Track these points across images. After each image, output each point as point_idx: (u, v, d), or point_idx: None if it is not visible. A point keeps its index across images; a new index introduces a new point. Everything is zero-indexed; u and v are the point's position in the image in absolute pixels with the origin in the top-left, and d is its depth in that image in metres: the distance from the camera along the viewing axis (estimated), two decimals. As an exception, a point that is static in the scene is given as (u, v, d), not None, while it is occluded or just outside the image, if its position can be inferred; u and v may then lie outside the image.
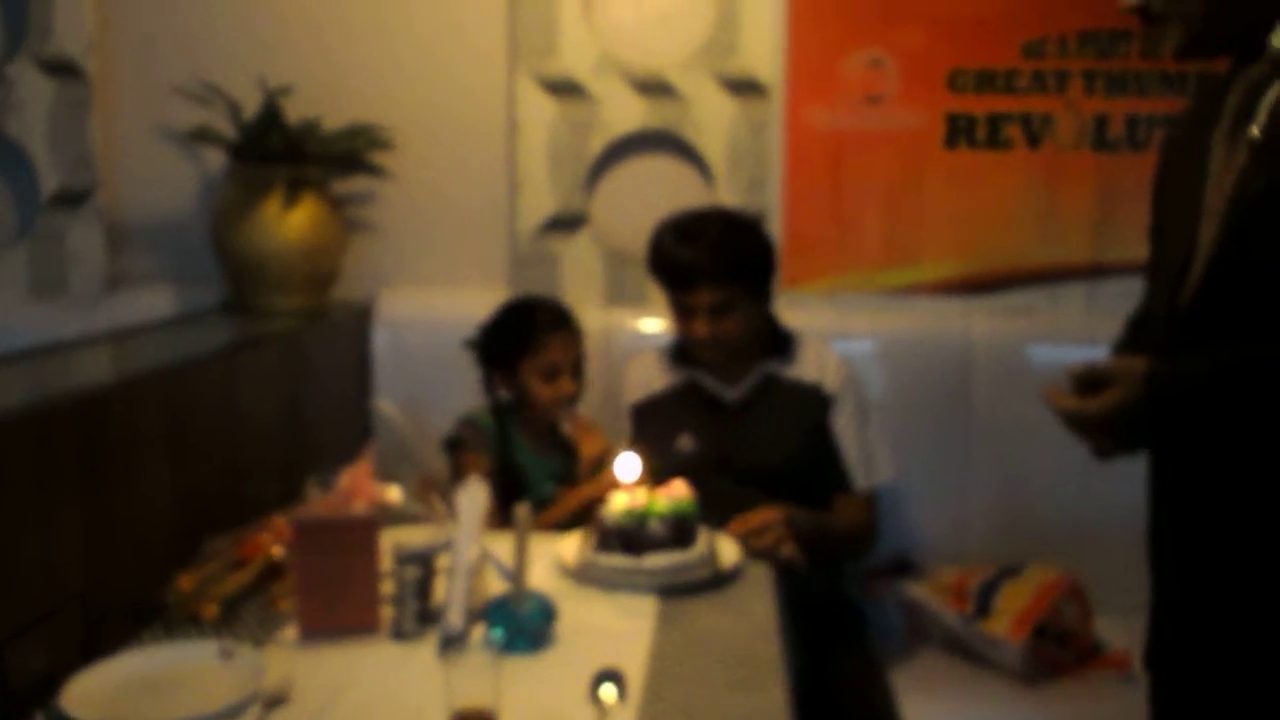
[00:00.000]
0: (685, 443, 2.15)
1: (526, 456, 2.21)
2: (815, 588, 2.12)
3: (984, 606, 2.18)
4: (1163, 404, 1.28)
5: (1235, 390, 1.25)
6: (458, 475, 2.10)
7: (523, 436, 2.23)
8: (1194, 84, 2.52)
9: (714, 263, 2.08)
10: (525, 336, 2.19)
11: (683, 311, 2.14)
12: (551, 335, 2.18)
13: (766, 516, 1.89)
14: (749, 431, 2.14)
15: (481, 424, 2.23)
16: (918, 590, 2.30)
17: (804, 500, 2.09)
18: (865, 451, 2.19)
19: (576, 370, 2.21)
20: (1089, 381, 1.33)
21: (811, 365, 2.20)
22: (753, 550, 1.85)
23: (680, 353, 2.23)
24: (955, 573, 2.31)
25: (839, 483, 2.18)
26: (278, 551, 1.67)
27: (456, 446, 2.22)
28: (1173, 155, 1.45)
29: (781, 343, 2.22)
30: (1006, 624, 2.13)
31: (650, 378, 2.27)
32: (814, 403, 2.18)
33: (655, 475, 1.96)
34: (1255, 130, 1.24)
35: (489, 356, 2.24)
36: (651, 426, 2.22)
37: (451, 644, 1.46)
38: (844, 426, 2.18)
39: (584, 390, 2.24)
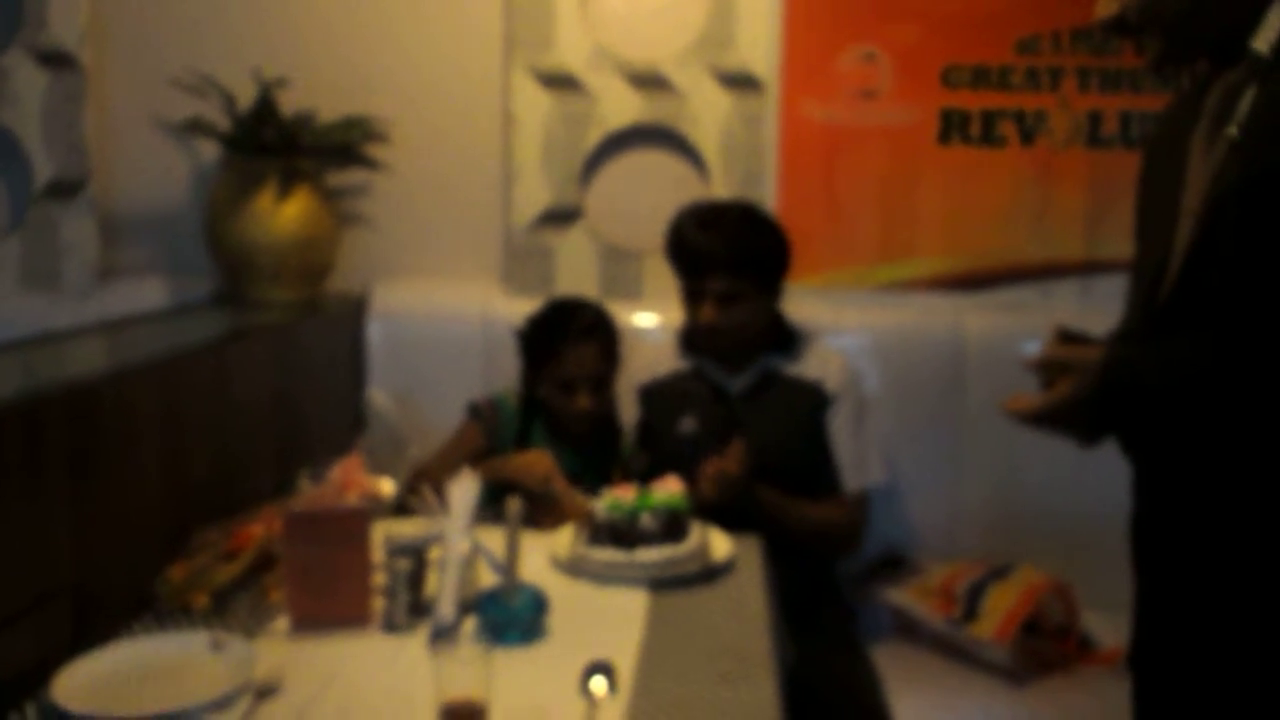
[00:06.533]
0: (687, 425, 2.17)
1: (543, 446, 2.18)
2: (803, 584, 2.14)
3: (971, 609, 2.18)
4: (1116, 392, 1.29)
5: (1193, 377, 1.26)
6: (456, 438, 2.23)
7: (545, 427, 2.23)
8: (1186, 81, 2.52)
9: (728, 252, 2.12)
10: (546, 346, 2.18)
11: (693, 297, 2.17)
12: (571, 348, 2.15)
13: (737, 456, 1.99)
14: (749, 421, 2.15)
15: (504, 405, 2.25)
16: (904, 596, 2.29)
17: (795, 494, 2.12)
18: (858, 454, 2.20)
19: (600, 385, 2.18)
20: (1051, 369, 1.34)
21: (815, 364, 2.22)
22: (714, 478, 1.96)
23: (687, 340, 2.27)
24: (943, 573, 2.30)
25: (831, 483, 2.19)
26: (277, 527, 1.65)
27: (471, 413, 2.26)
28: (1154, 156, 1.46)
29: (787, 339, 2.25)
30: (993, 626, 2.13)
31: (657, 361, 2.30)
32: (813, 400, 2.20)
33: (657, 457, 2.07)
34: (1234, 130, 1.25)
35: (523, 351, 2.25)
36: (656, 408, 2.26)
37: (442, 636, 1.46)
38: (839, 427, 2.20)
39: (606, 406, 2.22)
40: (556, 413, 2.20)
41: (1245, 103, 1.25)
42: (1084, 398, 1.31)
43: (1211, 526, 1.30)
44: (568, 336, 2.16)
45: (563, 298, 2.31)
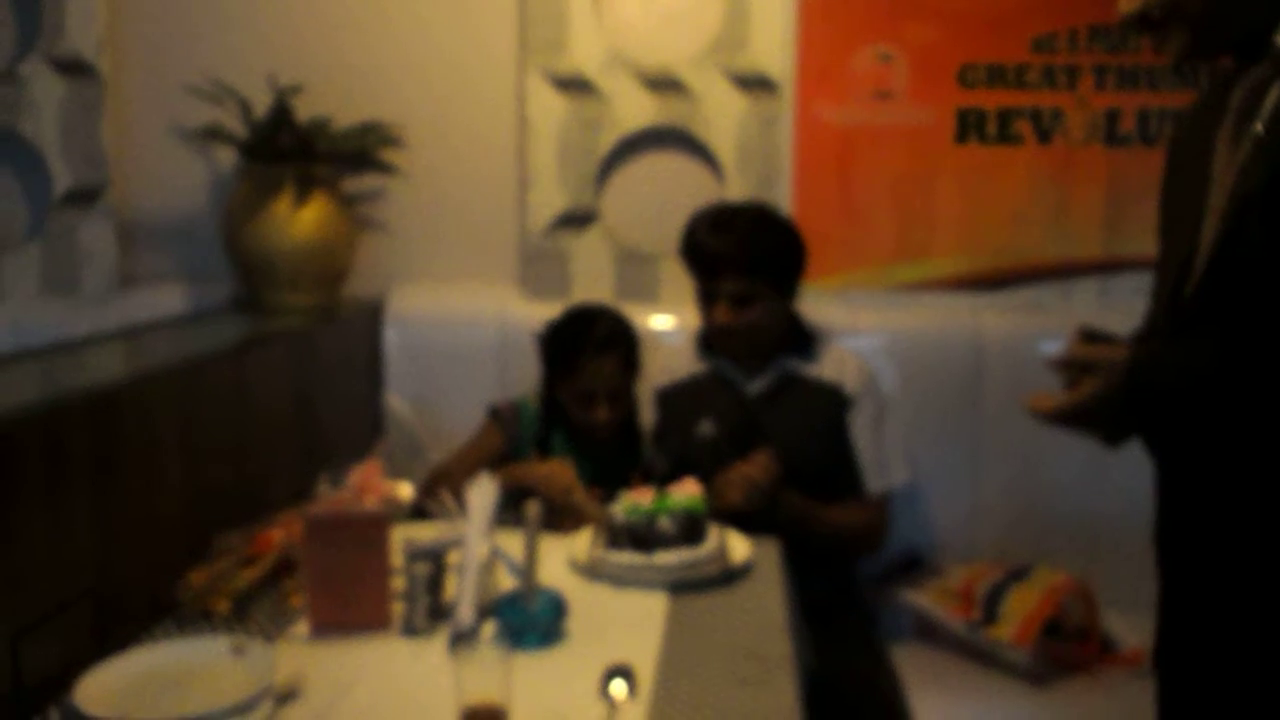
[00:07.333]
0: (705, 428, 2.17)
1: (564, 452, 2.19)
2: (823, 586, 2.13)
3: (991, 612, 2.17)
4: (1141, 391, 1.28)
5: (1217, 378, 1.25)
6: (475, 440, 2.24)
7: (566, 433, 2.23)
8: (1204, 79, 2.51)
9: (741, 254, 2.12)
10: (562, 359, 2.18)
11: (707, 298, 2.18)
12: (589, 361, 2.14)
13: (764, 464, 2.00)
14: (768, 424, 2.16)
15: (525, 409, 2.25)
16: (924, 598, 2.28)
17: (816, 497, 2.12)
18: (880, 455, 2.20)
19: (618, 396, 2.18)
20: (1074, 368, 1.34)
21: (832, 366, 2.22)
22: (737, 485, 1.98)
23: (704, 342, 2.27)
24: (963, 575, 2.29)
25: (852, 484, 2.19)
26: (297, 532, 1.66)
27: (491, 415, 2.26)
28: (1178, 154, 1.45)
29: (804, 341, 2.24)
30: (1014, 629, 2.12)
31: (675, 364, 2.30)
32: (833, 402, 2.20)
33: (675, 459, 2.08)
34: (1259, 126, 1.24)
35: (542, 358, 2.25)
36: (673, 411, 2.26)
37: (462, 640, 1.46)
38: (861, 429, 2.20)
39: (625, 414, 2.21)
40: (576, 422, 2.20)
41: (1271, 99, 1.24)
42: (1108, 397, 1.30)
43: (1237, 527, 1.29)
44: (586, 349, 2.15)
45: (582, 305, 2.29)
